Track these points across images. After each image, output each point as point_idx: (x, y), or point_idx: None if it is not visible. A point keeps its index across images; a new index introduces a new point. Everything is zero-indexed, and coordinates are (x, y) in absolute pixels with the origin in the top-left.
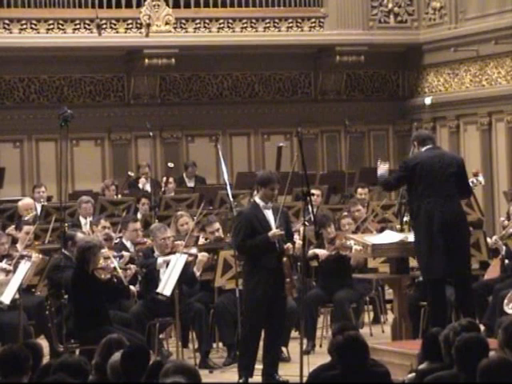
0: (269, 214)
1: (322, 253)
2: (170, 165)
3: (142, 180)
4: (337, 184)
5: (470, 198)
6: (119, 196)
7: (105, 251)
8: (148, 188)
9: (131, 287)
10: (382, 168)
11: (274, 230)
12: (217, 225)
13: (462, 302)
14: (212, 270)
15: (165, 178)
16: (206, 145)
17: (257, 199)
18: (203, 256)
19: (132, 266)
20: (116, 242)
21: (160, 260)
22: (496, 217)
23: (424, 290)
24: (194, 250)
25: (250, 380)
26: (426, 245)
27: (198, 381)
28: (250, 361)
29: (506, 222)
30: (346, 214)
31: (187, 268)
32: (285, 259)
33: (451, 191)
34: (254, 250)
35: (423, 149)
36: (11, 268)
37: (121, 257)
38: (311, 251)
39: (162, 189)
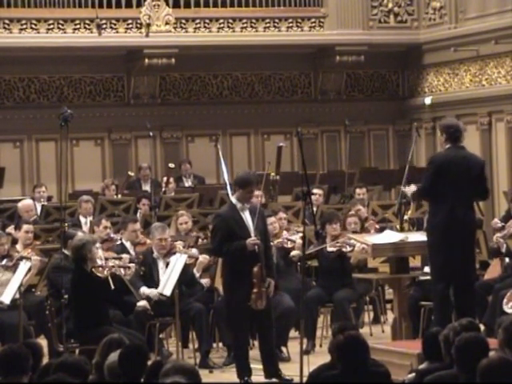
0: (246, 216)
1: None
2: (171, 165)
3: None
4: (337, 184)
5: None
6: (119, 196)
7: (102, 252)
8: (148, 188)
9: (142, 303)
10: (410, 190)
11: (251, 239)
12: None
13: (463, 304)
14: (212, 270)
15: (165, 179)
16: (206, 145)
17: (234, 200)
18: (204, 258)
19: (132, 265)
20: (117, 243)
21: (142, 289)
22: (496, 217)
23: (425, 289)
24: (194, 252)
25: (252, 379)
26: (443, 249)
27: (198, 381)
28: (245, 362)
29: (499, 225)
30: (352, 212)
31: (187, 269)
32: (255, 269)
33: (470, 195)
34: (231, 255)
35: (449, 145)
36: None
37: (119, 259)
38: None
39: (163, 189)
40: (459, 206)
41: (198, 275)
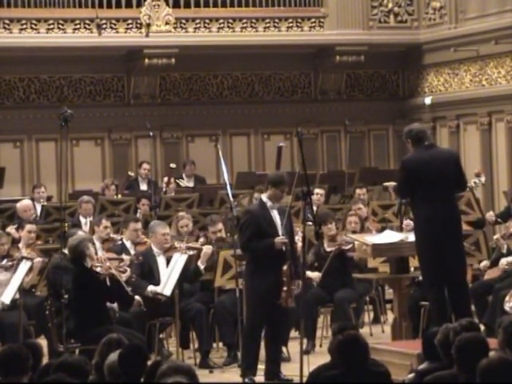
0: (275, 215)
1: (316, 275)
2: (172, 165)
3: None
4: (337, 184)
5: (469, 198)
6: (119, 196)
7: (102, 252)
8: (145, 187)
9: (136, 297)
10: (390, 184)
11: (279, 238)
12: (220, 225)
13: (457, 303)
14: (212, 270)
15: (166, 178)
16: (206, 145)
17: (264, 198)
18: (208, 248)
19: (127, 269)
20: (118, 243)
21: (149, 288)
22: None
23: (424, 290)
24: (196, 244)
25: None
26: (429, 248)
27: (194, 380)
28: (254, 360)
29: (493, 218)
30: (352, 212)
31: (188, 267)
32: (285, 267)
33: (450, 192)
34: (258, 252)
35: (419, 147)
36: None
37: (121, 260)
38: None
39: (164, 189)
40: (439, 204)
41: (202, 267)
